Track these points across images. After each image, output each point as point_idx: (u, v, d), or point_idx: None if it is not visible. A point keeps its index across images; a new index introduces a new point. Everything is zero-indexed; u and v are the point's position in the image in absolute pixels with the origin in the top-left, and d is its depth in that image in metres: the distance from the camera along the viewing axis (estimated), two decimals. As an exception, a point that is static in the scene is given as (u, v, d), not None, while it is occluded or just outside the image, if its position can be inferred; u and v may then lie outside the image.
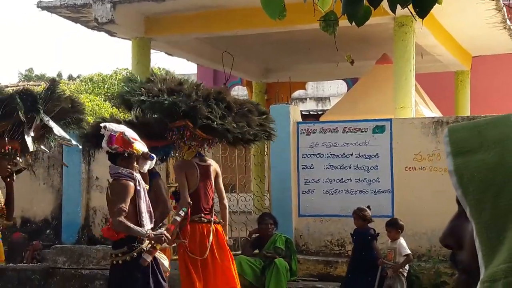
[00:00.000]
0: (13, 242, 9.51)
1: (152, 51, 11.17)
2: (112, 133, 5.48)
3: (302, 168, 9.22)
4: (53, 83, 6.38)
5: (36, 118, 5.82)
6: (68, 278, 8.91)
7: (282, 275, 7.82)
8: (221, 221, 7.01)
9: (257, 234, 8.34)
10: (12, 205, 6.14)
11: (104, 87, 19.97)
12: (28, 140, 5.82)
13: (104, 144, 5.50)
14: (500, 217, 0.83)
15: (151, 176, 6.65)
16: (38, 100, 5.86)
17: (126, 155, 5.48)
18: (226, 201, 7.20)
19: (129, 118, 7.39)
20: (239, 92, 17.88)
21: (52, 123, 5.99)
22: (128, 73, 18.49)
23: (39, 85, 19.72)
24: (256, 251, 8.24)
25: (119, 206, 5.34)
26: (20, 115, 5.69)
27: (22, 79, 31.93)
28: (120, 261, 5.42)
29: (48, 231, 10.30)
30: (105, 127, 5.53)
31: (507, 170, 0.84)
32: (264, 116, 7.69)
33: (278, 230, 8.30)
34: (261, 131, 7.47)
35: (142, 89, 6.89)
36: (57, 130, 6.07)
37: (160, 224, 6.56)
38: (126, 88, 7.05)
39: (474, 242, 0.87)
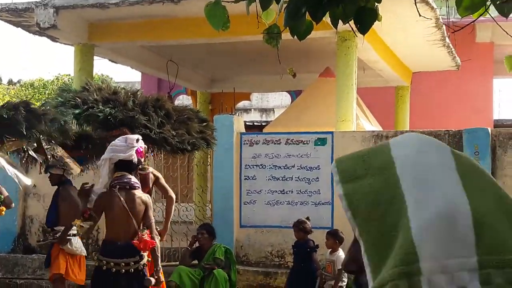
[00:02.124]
0: None
1: (95, 57, 11.02)
2: (140, 146, 5.76)
3: (245, 179, 9.24)
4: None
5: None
6: (2, 288, 8.67)
7: (221, 285, 7.79)
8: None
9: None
10: None
11: (45, 93, 19.55)
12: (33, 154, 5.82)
13: (134, 156, 5.63)
14: (387, 232, 0.91)
15: (64, 183, 6.99)
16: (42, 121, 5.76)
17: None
18: (172, 194, 7.22)
19: None
20: (183, 101, 17.81)
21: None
22: (69, 80, 18.21)
23: (-23, 89, 19.22)
24: (195, 261, 8.19)
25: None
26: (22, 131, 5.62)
27: (-41, 82, 30.98)
28: (132, 270, 5.51)
29: (-18, 239, 9.99)
30: (138, 140, 5.72)
31: (391, 191, 0.94)
32: (205, 124, 7.68)
33: (219, 240, 8.28)
34: (200, 139, 7.47)
35: (77, 99, 6.77)
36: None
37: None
38: (60, 98, 6.90)
39: None
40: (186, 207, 9.95)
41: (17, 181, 5.91)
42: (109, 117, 6.62)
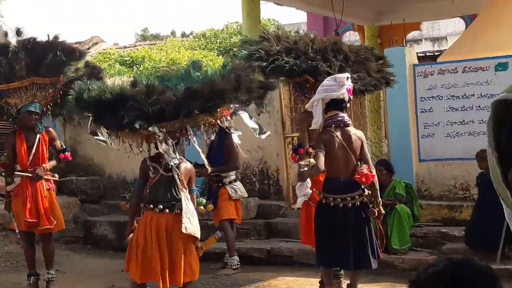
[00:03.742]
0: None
1: (261, 2, 11.13)
2: (349, 84, 5.82)
3: (421, 112, 8.97)
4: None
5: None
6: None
7: (405, 221, 7.73)
8: None
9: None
10: None
11: (216, 42, 20.15)
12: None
13: (345, 94, 5.72)
14: None
15: (224, 132, 6.87)
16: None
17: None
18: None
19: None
20: (350, 37, 17.53)
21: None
22: (238, 27, 18.61)
23: (155, 43, 20.28)
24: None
25: None
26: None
27: (139, 39, 32.97)
28: (358, 203, 5.70)
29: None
30: (348, 78, 5.81)
31: None
32: (381, 61, 7.50)
33: (398, 175, 8.16)
34: (380, 78, 7.33)
35: (260, 51, 6.82)
36: None
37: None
38: (244, 51, 6.99)
39: None
40: (362, 144, 9.89)
41: (256, 134, 6.05)
42: (294, 67, 6.70)
